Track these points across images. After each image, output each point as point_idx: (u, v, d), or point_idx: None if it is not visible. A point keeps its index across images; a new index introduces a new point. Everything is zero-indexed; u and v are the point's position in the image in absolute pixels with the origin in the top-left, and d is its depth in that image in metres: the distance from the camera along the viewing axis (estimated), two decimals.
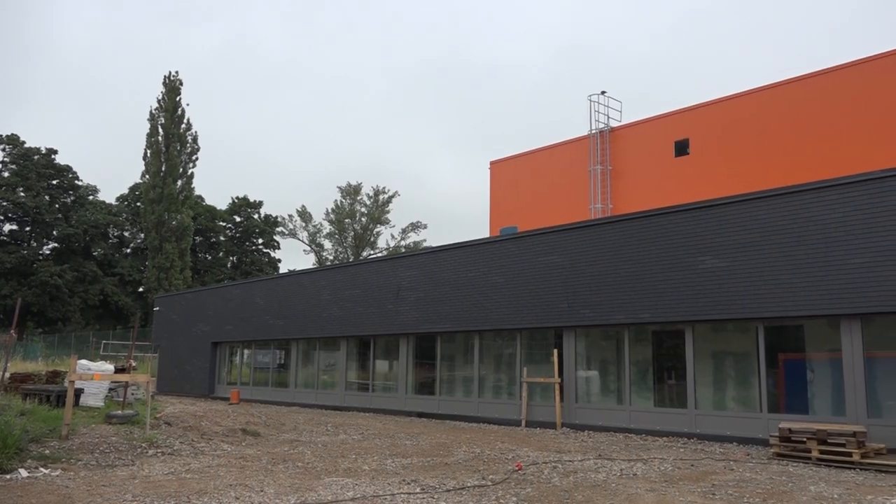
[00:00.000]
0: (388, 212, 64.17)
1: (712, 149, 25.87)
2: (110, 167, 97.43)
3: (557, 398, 17.96)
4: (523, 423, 18.60)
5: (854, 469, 11.47)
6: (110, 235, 67.35)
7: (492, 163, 34.38)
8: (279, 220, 69.64)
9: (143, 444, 13.08)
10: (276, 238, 72.49)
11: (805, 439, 12.25)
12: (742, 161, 24.71)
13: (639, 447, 14.32)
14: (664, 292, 16.29)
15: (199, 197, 66.91)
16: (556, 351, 18.29)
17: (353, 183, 64.16)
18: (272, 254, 74.82)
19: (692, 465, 11.80)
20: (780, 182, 20.38)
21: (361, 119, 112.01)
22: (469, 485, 9.91)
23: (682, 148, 26.87)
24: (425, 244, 61.33)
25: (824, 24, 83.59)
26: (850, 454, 11.65)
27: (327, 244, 65.01)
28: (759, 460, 12.46)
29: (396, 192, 64.51)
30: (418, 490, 9.52)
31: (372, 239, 64.39)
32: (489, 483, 10.06)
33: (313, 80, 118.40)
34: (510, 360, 20.15)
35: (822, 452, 11.97)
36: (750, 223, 15.06)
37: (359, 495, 9.13)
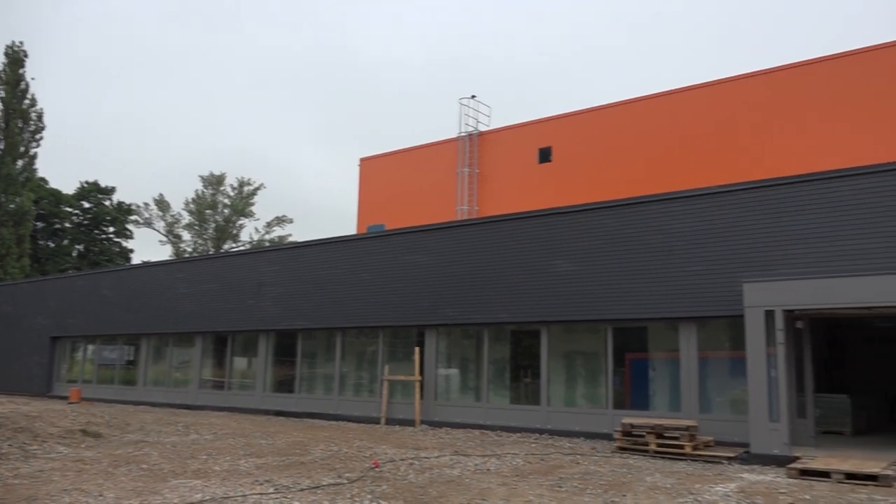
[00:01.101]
0: (252, 204, 62.17)
1: (574, 157, 27.07)
2: None
3: (417, 396, 18.15)
4: (383, 420, 18.64)
5: (686, 460, 12.40)
6: None
7: (362, 160, 34.21)
8: (133, 208, 65.63)
9: None
10: (130, 227, 68.23)
11: (644, 433, 13.12)
12: (601, 170, 26.01)
13: (493, 443, 14.75)
14: (522, 293, 16.88)
15: (43, 179, 61.73)
16: (417, 349, 18.47)
17: (217, 173, 61.69)
18: (124, 244, 70.30)
19: (542, 460, 12.31)
20: (637, 192, 21.66)
21: (230, 108, 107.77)
22: (324, 483, 9.81)
23: (545, 155, 27.93)
24: (291, 239, 59.99)
25: (690, 41, 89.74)
26: (682, 447, 12.59)
27: (186, 235, 62.07)
28: (603, 454, 13.19)
29: (262, 184, 62.62)
30: (271, 490, 9.31)
31: (234, 232, 62.17)
32: (345, 481, 10.00)
33: (180, 65, 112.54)
34: (372, 358, 20.13)
35: (659, 445, 12.86)
36: (601, 230, 15.93)
37: (208, 497, 8.79)
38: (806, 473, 10.66)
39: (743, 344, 12.95)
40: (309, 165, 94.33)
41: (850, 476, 10.26)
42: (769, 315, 12.65)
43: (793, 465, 10.96)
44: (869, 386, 18.20)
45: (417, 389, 18.20)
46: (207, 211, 61.64)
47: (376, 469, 11.10)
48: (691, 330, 14.71)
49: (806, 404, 13.61)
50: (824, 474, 10.48)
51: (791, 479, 10.48)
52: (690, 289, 14.52)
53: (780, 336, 12.49)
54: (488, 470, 11.16)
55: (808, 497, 9.08)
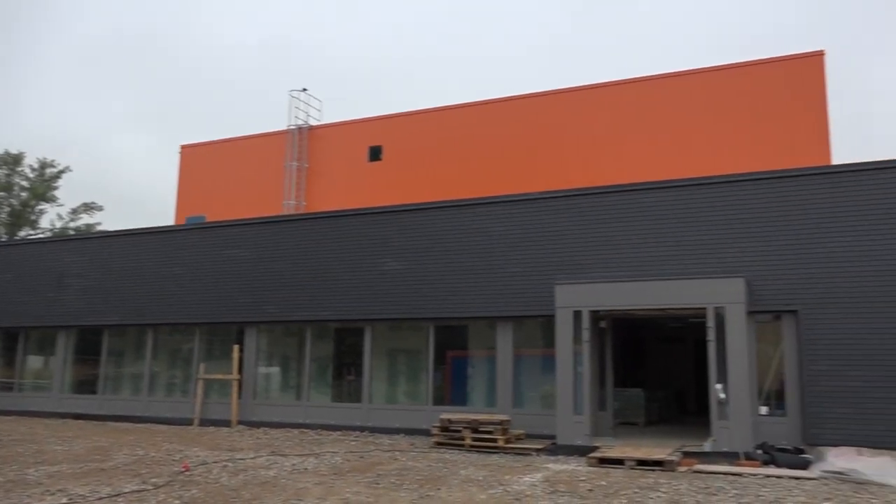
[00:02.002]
0: (55, 188, 56.71)
1: (404, 157, 27.38)
2: None
3: (235, 395, 17.49)
4: (196, 421, 17.76)
5: (499, 453, 12.97)
6: None
7: (183, 147, 32.35)
8: None
9: None
10: None
11: (461, 428, 13.56)
12: (431, 171, 26.50)
13: (313, 442, 14.56)
14: (348, 291, 16.81)
15: None
16: (236, 347, 17.80)
17: (13, 152, 55.62)
18: None
19: (361, 457, 12.33)
20: (464, 194, 22.25)
21: (36, 84, 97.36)
22: (126, 490, 9.17)
23: (375, 153, 28.01)
24: (100, 228, 55.47)
25: (527, 49, 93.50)
26: (496, 440, 13.17)
27: None
28: (421, 449, 13.46)
29: (68, 167, 57.31)
30: (64, 500, 8.56)
31: (33, 217, 56.41)
32: (150, 487, 9.41)
33: None
34: (187, 356, 19.11)
35: (474, 440, 13.35)
36: (427, 230, 16.27)
37: None
38: (604, 462, 11.55)
39: (554, 342, 13.79)
40: (125, 151, 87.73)
41: (641, 462, 11.26)
42: (577, 315, 13.58)
43: (593, 455, 11.83)
44: (661, 381, 20.08)
45: (235, 389, 17.53)
46: (1, 193, 55.46)
47: (186, 473, 10.55)
48: (508, 329, 15.41)
49: (606, 398, 14.74)
50: (619, 462, 11.42)
51: (591, 468, 11.30)
52: (509, 289, 15.21)
53: (586, 335, 13.45)
54: (306, 469, 11.00)
55: (604, 483, 9.84)
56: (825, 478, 10.45)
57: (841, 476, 10.39)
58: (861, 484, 10.05)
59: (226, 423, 17.41)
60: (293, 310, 17.37)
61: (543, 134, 24.89)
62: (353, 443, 14.53)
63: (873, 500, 8.94)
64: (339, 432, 16.11)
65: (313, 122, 29.69)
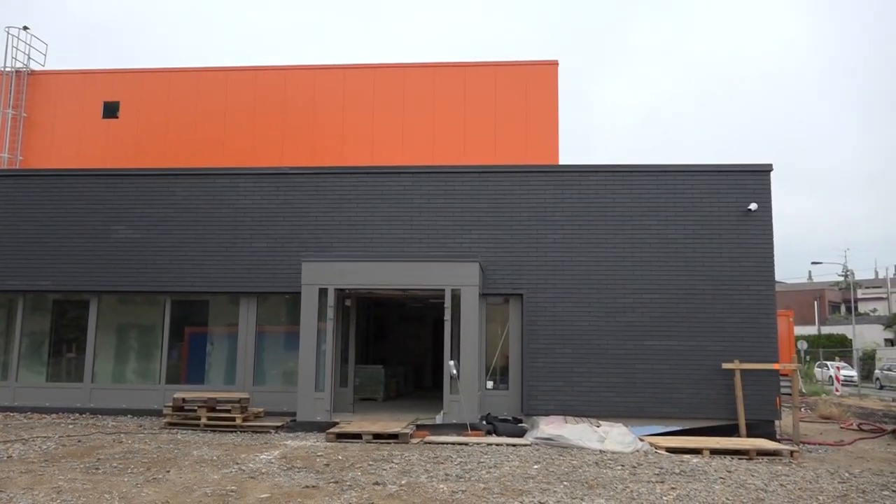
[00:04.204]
0: None
1: (144, 117, 25.21)
2: None
3: None
4: None
5: (236, 432, 12.66)
6: None
7: None
8: None
9: None
10: None
11: (196, 408, 12.99)
12: (175, 135, 24.71)
13: (21, 427, 12.99)
14: (71, 259, 15.20)
15: None
16: None
17: None
18: None
19: (79, 441, 11.27)
20: (211, 163, 21.22)
21: None
22: None
23: (111, 110, 25.44)
24: None
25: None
26: (234, 419, 12.83)
27: None
28: (151, 431, 12.66)
29: None
30: None
31: None
32: None
33: None
34: None
35: (210, 419, 12.87)
36: (168, 198, 15.26)
37: None
38: (342, 437, 11.82)
39: (299, 319, 13.74)
40: None
41: (377, 436, 11.73)
42: (323, 293, 13.67)
43: (332, 430, 12.03)
44: (401, 357, 20.99)
45: None
46: None
47: None
48: (252, 305, 15.03)
49: (348, 374, 15.06)
50: (357, 436, 11.77)
51: (329, 443, 11.50)
52: (254, 264, 14.84)
53: (330, 312, 13.59)
54: (10, 457, 9.79)
55: (340, 457, 10.07)
56: (537, 444, 11.73)
57: (549, 442, 11.73)
58: (565, 448, 11.45)
59: None
60: (2, 277, 15.28)
61: (298, 108, 24.46)
62: (70, 426, 13.21)
63: (573, 461, 10.24)
64: (54, 415, 14.57)
65: (36, 67, 26.15)
